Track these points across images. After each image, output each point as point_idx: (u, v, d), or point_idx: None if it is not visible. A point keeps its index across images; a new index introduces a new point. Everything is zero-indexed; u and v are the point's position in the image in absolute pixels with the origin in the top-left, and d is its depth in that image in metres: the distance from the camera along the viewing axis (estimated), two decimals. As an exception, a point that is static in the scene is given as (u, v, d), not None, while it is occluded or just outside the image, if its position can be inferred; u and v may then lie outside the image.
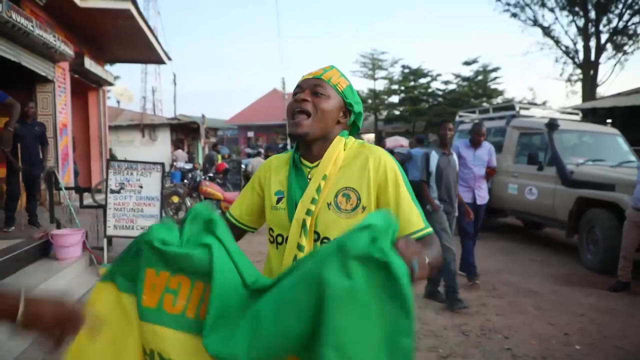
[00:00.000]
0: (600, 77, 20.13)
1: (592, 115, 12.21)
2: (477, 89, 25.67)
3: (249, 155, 16.05)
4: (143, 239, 1.05)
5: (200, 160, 19.42)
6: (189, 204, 8.54)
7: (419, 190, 4.30)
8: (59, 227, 5.66)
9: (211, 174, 10.22)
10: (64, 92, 8.77)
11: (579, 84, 21.18)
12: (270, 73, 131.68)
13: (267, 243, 1.40)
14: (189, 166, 13.12)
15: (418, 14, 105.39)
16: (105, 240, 5.43)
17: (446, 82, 27.01)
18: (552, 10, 20.83)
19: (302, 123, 1.27)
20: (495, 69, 25.67)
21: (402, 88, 27.13)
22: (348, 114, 1.36)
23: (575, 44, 20.67)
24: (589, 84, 19.72)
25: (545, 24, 21.23)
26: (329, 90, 1.30)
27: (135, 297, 1.05)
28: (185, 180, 9.90)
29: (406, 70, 27.02)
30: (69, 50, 7.74)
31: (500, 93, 25.98)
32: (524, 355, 3.35)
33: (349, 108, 1.35)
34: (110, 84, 11.69)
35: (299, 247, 1.25)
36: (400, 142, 17.54)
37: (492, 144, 5.72)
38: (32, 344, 3.57)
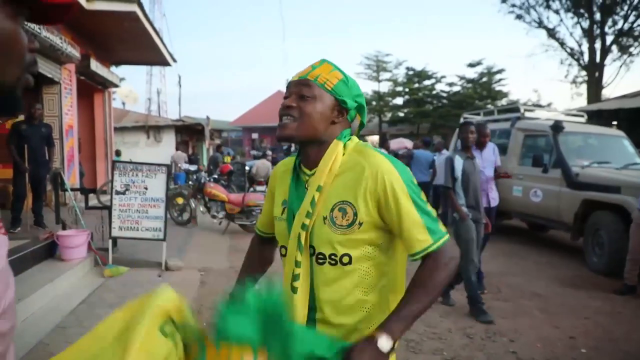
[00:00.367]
0: (605, 79, 20.06)
1: (598, 117, 12.14)
2: (482, 90, 25.59)
3: (255, 157, 16.06)
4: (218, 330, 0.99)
5: (205, 162, 19.48)
6: (193, 205, 8.57)
7: (444, 197, 4.21)
8: (64, 228, 5.69)
9: (215, 176, 10.24)
10: (70, 93, 8.82)
11: (584, 86, 21.09)
12: (274, 74, 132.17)
13: None
14: (193, 168, 13.17)
15: (423, 16, 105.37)
16: (110, 242, 5.45)
17: (450, 84, 26.96)
18: (557, 12, 20.77)
19: (287, 125, 1.22)
20: (499, 71, 25.60)
21: (407, 90, 27.09)
22: (344, 111, 1.24)
23: (580, 45, 20.62)
24: (594, 86, 19.63)
25: (550, 26, 21.22)
26: (315, 91, 1.20)
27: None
28: (190, 182, 9.94)
29: (410, 72, 26.99)
30: (75, 52, 7.79)
31: (505, 95, 25.90)
32: (529, 358, 3.34)
33: (344, 106, 1.23)
34: (116, 86, 11.74)
35: (296, 264, 1.21)
36: (404, 144, 17.52)
37: (497, 145, 5.71)
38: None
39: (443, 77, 26.81)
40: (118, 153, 15.32)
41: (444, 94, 26.99)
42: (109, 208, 5.55)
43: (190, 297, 4.58)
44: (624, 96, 14.32)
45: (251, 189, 8.74)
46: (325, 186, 1.20)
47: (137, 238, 5.56)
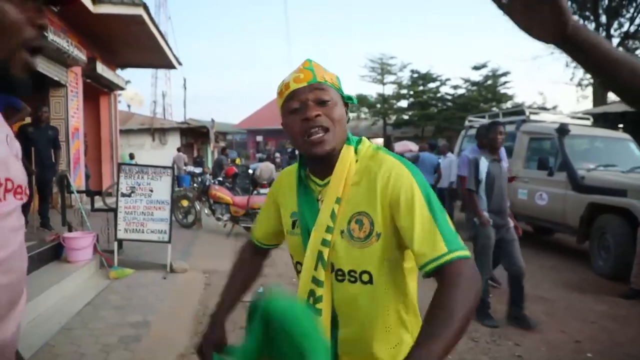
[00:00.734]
0: (611, 81, 19.95)
1: (603, 120, 12.09)
2: (487, 93, 25.56)
3: (261, 160, 16.09)
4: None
5: (210, 165, 19.52)
6: (198, 207, 8.60)
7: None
8: (70, 230, 5.72)
9: (220, 178, 10.28)
10: (76, 96, 8.89)
11: (590, 89, 20.99)
12: (279, 77, 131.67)
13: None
14: (198, 170, 13.20)
15: (427, 19, 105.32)
16: (115, 244, 5.47)
17: (455, 87, 26.96)
18: (562, 14, 20.69)
19: (325, 139, 1.08)
20: (504, 74, 25.58)
21: (411, 92, 27.12)
22: (347, 108, 1.18)
23: (586, 48, 20.51)
24: (600, 89, 19.54)
25: (556, 28, 21.10)
26: (332, 94, 1.11)
27: None
28: (195, 184, 9.96)
29: (415, 75, 27.02)
30: (81, 55, 7.86)
31: (510, 98, 25.85)
32: (534, 362, 3.32)
33: (347, 102, 1.17)
34: (122, 89, 11.82)
35: (316, 282, 1.11)
36: (408, 146, 17.51)
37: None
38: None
39: (448, 79, 26.87)
40: (132, 156, 15.48)
41: (449, 97, 26.98)
42: (114, 210, 5.58)
43: (195, 299, 4.60)
44: (630, 99, 14.23)
45: (255, 192, 8.75)
46: (343, 197, 1.10)
47: (142, 240, 5.59)
